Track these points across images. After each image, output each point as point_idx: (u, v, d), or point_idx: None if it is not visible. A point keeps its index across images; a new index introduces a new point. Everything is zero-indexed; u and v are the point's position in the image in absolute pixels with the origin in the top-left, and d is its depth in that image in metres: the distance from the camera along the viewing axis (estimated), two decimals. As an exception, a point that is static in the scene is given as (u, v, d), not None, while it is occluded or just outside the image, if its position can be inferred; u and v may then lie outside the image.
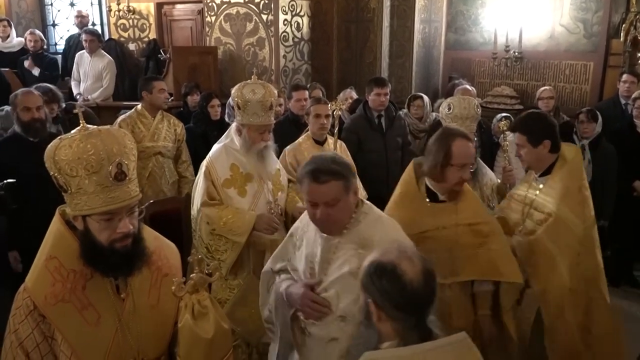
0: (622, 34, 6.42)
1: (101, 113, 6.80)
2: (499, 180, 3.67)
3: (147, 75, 7.94)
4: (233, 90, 3.25)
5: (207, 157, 3.33)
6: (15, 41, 7.70)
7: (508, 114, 5.40)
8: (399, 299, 1.63)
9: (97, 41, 7.30)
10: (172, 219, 4.19)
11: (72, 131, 1.76)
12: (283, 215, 3.40)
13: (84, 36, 7.28)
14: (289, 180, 3.57)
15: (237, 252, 3.11)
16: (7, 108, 4.79)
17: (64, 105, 4.88)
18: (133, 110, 4.85)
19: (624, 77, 5.78)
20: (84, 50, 7.33)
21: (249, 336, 3.36)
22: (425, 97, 6.00)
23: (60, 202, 1.85)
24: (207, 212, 3.16)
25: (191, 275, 1.79)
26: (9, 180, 3.25)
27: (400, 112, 5.60)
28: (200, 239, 3.21)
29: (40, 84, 4.82)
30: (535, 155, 3.05)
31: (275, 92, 3.30)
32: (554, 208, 2.92)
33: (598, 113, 5.01)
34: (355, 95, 6.13)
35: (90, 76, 7.21)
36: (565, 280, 2.86)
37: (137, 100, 4.99)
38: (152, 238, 1.97)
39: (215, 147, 3.39)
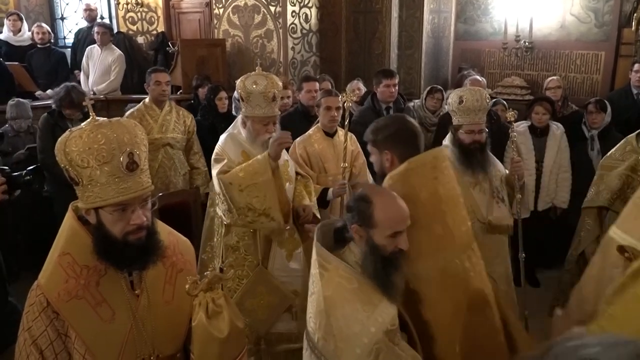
0: (633, 23, 6.35)
1: (110, 106, 6.81)
2: (507, 171, 3.64)
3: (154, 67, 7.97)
4: (237, 82, 3.25)
5: (217, 146, 3.36)
6: (26, 35, 7.66)
7: (497, 98, 5.30)
8: None
9: (109, 34, 7.28)
10: (181, 212, 4.21)
11: (83, 123, 1.74)
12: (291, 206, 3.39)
13: (96, 28, 7.22)
14: (297, 174, 3.56)
15: (271, 190, 3.10)
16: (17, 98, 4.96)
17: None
18: (141, 103, 4.92)
19: (636, 66, 5.70)
20: (94, 45, 7.28)
21: (257, 326, 3.40)
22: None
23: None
24: (224, 177, 3.17)
25: (205, 273, 1.77)
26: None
27: (410, 104, 5.56)
28: (241, 211, 3.17)
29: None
30: None
31: (280, 83, 3.28)
32: None
33: (607, 103, 4.95)
34: (362, 87, 6.06)
35: (98, 69, 7.16)
36: None
37: (145, 94, 5.02)
38: (166, 233, 1.95)
39: (222, 136, 3.41)
